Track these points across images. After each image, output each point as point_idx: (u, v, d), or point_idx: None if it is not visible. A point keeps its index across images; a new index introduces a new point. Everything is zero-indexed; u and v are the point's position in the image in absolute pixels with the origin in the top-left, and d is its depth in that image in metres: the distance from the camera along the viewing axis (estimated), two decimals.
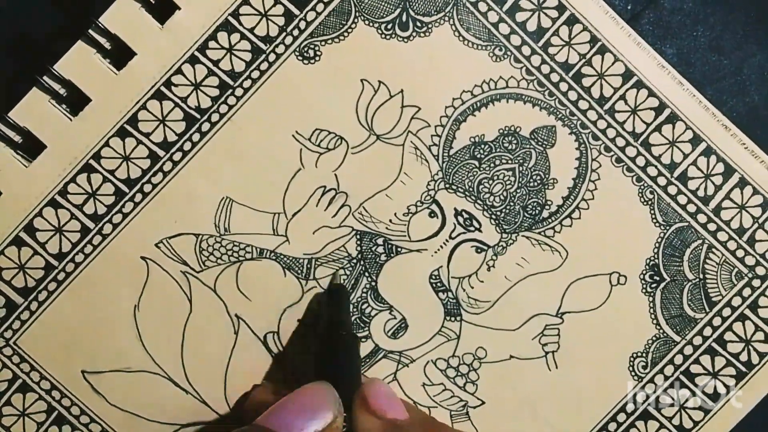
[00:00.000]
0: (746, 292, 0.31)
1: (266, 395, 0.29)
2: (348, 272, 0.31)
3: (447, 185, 0.31)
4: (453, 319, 0.31)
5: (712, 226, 0.31)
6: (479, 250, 0.31)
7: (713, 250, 0.31)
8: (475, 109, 0.30)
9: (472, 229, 0.31)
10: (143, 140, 0.30)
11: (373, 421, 0.25)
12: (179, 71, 0.30)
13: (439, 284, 0.31)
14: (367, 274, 0.31)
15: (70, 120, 0.30)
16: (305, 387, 0.25)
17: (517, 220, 0.31)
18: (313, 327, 0.31)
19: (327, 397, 0.25)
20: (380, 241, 0.31)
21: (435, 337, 0.31)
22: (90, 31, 0.29)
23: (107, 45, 0.29)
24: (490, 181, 0.31)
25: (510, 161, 0.31)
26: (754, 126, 0.31)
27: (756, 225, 0.31)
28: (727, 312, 0.31)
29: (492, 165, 0.31)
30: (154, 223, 0.30)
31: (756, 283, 0.31)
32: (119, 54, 0.29)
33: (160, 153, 0.30)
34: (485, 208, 0.31)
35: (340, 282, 0.31)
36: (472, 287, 0.31)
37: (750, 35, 0.31)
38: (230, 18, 0.30)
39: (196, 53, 0.30)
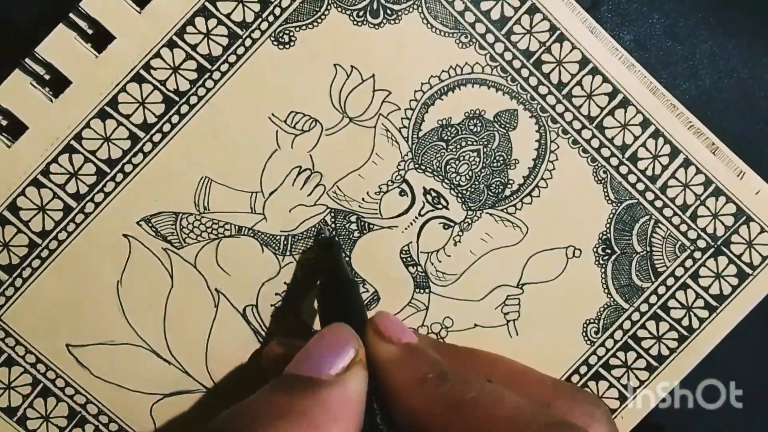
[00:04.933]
0: (688, 263, 0.34)
1: (279, 348, 0.30)
2: (329, 231, 0.32)
3: (416, 165, 0.32)
4: (422, 291, 0.33)
5: (658, 203, 0.33)
6: (446, 227, 0.33)
7: (659, 224, 0.33)
8: (442, 94, 0.32)
9: (439, 206, 0.33)
10: (123, 122, 0.31)
11: (389, 347, 0.27)
12: (158, 55, 0.31)
13: (409, 259, 0.33)
14: (341, 250, 0.33)
15: (52, 102, 0.30)
16: (322, 331, 0.26)
17: (481, 198, 0.33)
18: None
19: (346, 334, 0.26)
20: (353, 218, 0.32)
21: (405, 308, 0.33)
22: (71, 15, 0.30)
23: (88, 29, 0.30)
24: (457, 162, 0.32)
25: (475, 143, 0.32)
26: (705, 108, 0.33)
27: (698, 202, 0.33)
28: (671, 281, 0.34)
29: (458, 146, 0.32)
30: (135, 202, 0.31)
31: (697, 255, 0.34)
32: (99, 38, 0.30)
33: (141, 134, 0.31)
34: (452, 187, 0.33)
35: (329, 234, 0.32)
36: (440, 261, 0.33)
37: (702, 23, 0.33)
38: (207, 4, 0.30)
39: (175, 37, 0.31)
